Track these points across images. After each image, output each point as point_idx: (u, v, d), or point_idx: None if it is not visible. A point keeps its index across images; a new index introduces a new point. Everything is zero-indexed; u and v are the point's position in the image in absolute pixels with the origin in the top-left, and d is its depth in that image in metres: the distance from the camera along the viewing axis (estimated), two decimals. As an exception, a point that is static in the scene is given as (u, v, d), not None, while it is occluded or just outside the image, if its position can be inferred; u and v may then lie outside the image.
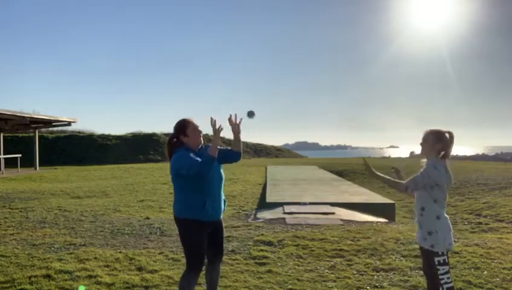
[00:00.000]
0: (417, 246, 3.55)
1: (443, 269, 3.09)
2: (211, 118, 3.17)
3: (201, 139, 3.35)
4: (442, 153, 3.21)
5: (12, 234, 6.50)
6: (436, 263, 3.09)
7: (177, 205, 3.27)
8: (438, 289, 3.22)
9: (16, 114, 19.19)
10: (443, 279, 3.09)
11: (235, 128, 3.32)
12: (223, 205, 3.37)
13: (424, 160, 3.24)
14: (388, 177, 3.26)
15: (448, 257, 3.15)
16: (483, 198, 10.70)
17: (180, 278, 3.34)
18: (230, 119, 3.31)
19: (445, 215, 3.18)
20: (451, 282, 3.11)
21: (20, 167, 21.45)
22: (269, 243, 5.69)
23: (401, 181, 3.20)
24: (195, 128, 3.29)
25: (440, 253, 3.09)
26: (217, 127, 3.15)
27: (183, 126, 3.29)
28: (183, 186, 3.20)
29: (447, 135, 3.20)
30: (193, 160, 3.10)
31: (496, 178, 13.52)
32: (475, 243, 5.62)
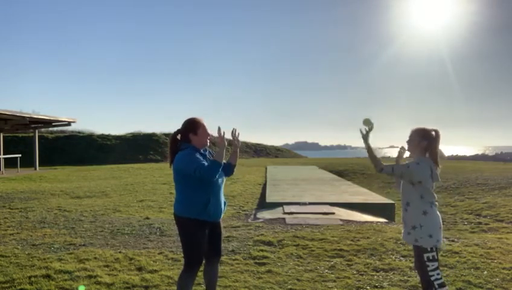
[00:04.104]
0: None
1: (432, 265, 3.11)
2: (219, 128, 3.22)
3: (208, 140, 3.36)
4: (429, 150, 3.24)
5: (12, 234, 6.49)
6: (426, 259, 3.11)
7: (178, 203, 3.27)
8: (429, 285, 3.23)
9: (15, 114, 19.19)
10: (433, 275, 3.10)
11: (235, 141, 3.34)
12: (223, 206, 3.38)
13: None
14: (373, 152, 3.31)
15: (437, 254, 3.16)
16: (483, 198, 10.70)
17: (178, 278, 3.34)
18: (232, 135, 3.32)
19: (437, 213, 3.18)
20: (441, 278, 3.13)
21: (20, 167, 21.45)
22: (269, 243, 5.69)
23: (380, 161, 3.24)
24: (205, 129, 3.31)
25: (429, 249, 3.10)
26: (222, 134, 3.19)
27: (195, 125, 3.29)
28: (187, 184, 3.19)
29: (432, 132, 3.23)
30: (200, 162, 3.12)
31: (495, 178, 13.51)
32: (475, 243, 5.62)
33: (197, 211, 3.17)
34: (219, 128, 3.22)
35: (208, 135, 3.32)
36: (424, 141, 3.20)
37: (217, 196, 3.28)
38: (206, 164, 3.13)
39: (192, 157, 3.15)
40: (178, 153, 3.24)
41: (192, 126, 3.29)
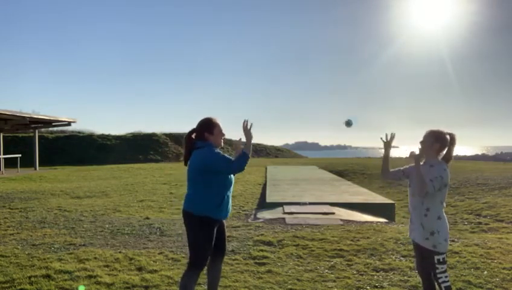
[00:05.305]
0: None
1: (442, 268, 3.10)
2: (245, 120, 3.25)
3: (222, 141, 3.40)
4: (442, 153, 3.20)
5: (12, 234, 6.49)
6: (436, 261, 3.09)
7: (192, 201, 3.28)
8: (434, 288, 3.22)
9: (15, 114, 19.19)
10: (441, 277, 3.09)
11: (249, 134, 3.32)
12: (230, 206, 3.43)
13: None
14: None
15: (446, 256, 3.16)
16: (483, 198, 10.70)
17: (181, 277, 3.34)
18: (244, 127, 3.31)
19: (444, 215, 3.19)
20: (448, 281, 3.12)
21: (20, 167, 21.45)
22: (269, 243, 5.69)
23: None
24: (221, 129, 3.36)
25: (441, 252, 3.10)
26: (249, 125, 3.25)
27: (212, 125, 3.34)
28: (203, 182, 3.22)
29: (447, 135, 3.19)
30: (228, 157, 3.21)
31: (495, 178, 13.51)
32: (475, 243, 5.62)
33: (211, 209, 3.21)
34: (246, 121, 3.24)
35: (223, 135, 3.37)
36: (437, 143, 3.16)
37: (229, 194, 3.35)
38: (232, 159, 3.22)
39: (217, 154, 3.21)
40: (197, 150, 3.27)
41: (208, 126, 3.33)
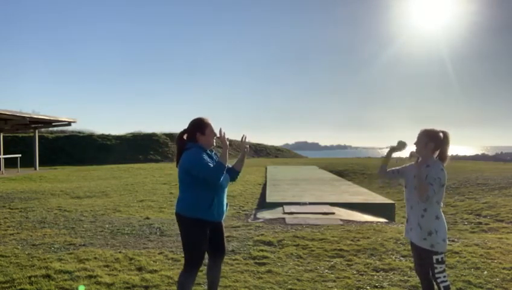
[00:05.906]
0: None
1: (440, 267, 3.10)
2: (220, 129, 3.28)
3: (214, 141, 3.38)
4: (437, 152, 3.20)
5: (12, 234, 6.49)
6: (435, 261, 3.09)
7: (182, 202, 3.27)
8: (432, 288, 3.22)
9: (15, 114, 19.19)
10: (439, 277, 3.09)
11: (244, 149, 3.40)
12: (225, 207, 3.40)
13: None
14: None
15: (445, 255, 3.16)
16: (483, 198, 10.70)
17: (178, 277, 3.34)
18: (241, 140, 3.37)
19: (442, 214, 3.19)
20: (447, 281, 3.12)
21: (20, 167, 21.45)
22: (269, 243, 5.69)
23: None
24: (212, 129, 3.34)
25: (439, 251, 3.10)
26: (222, 134, 3.26)
27: (203, 125, 3.32)
28: (192, 184, 3.20)
29: (440, 134, 3.18)
30: (206, 163, 3.15)
31: (495, 178, 13.51)
32: (475, 243, 5.62)
33: (201, 211, 3.19)
34: (220, 130, 3.27)
35: (215, 135, 3.35)
36: (431, 142, 3.15)
37: (221, 196, 3.30)
38: (212, 165, 3.16)
39: (198, 158, 3.17)
40: (186, 151, 3.26)
41: (199, 126, 3.31)
